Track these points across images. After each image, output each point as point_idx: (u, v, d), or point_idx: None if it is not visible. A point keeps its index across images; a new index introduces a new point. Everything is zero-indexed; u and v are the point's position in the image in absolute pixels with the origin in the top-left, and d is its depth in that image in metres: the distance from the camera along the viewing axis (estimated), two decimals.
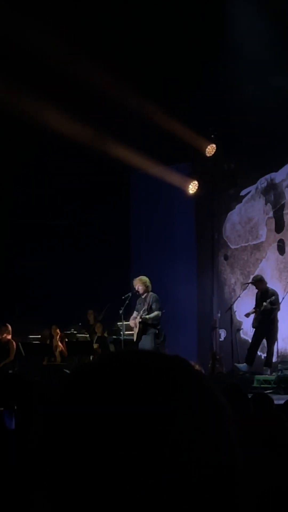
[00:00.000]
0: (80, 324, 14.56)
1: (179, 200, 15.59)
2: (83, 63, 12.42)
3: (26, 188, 14.87)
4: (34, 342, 13.87)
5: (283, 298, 12.40)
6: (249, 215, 14.92)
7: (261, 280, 12.78)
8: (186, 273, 15.45)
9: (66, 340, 13.39)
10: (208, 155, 14.83)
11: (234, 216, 15.22)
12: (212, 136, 14.70)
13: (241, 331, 14.03)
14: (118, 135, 13.83)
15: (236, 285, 14.93)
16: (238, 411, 3.83)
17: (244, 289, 13.83)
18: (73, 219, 15.20)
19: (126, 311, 12.11)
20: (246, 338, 14.05)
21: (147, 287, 11.52)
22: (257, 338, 12.59)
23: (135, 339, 11.48)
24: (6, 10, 11.64)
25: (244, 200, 15.04)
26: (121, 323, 12.59)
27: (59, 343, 13.27)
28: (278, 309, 12.28)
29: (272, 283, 13.07)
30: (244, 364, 12.42)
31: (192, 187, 15.19)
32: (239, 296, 13.81)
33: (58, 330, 13.42)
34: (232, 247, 15.21)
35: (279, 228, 14.36)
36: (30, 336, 14.12)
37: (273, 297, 12.22)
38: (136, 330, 11.43)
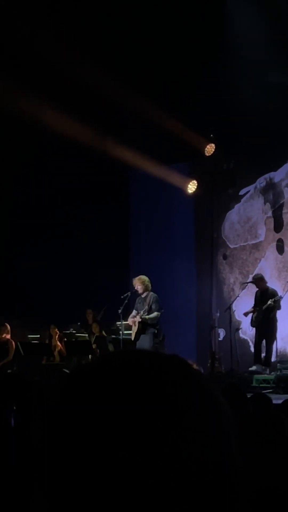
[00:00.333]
0: (79, 323, 14.56)
1: (178, 199, 15.60)
2: (83, 63, 12.41)
3: (25, 188, 14.86)
4: (33, 341, 13.86)
5: (281, 297, 12.40)
6: (248, 214, 14.92)
7: (261, 279, 12.79)
8: (185, 273, 15.45)
9: (65, 339, 13.39)
10: (207, 154, 14.83)
11: (233, 216, 15.22)
12: (211, 135, 14.70)
13: (240, 331, 14.04)
14: (118, 134, 13.83)
15: (235, 285, 14.93)
16: (237, 411, 3.83)
17: (243, 289, 13.83)
18: (72, 218, 15.19)
19: (125, 311, 12.11)
20: (245, 337, 14.06)
21: (146, 286, 11.52)
22: (259, 338, 12.60)
23: (133, 338, 11.48)
24: (6, 10, 11.64)
25: (243, 200, 15.04)
26: (120, 322, 12.59)
27: (58, 343, 13.26)
28: (278, 308, 12.30)
29: (271, 283, 13.08)
30: (255, 365, 12.43)
31: (191, 187, 15.19)
32: (238, 296, 13.81)
33: (56, 330, 13.42)
34: (231, 246, 15.21)
35: (278, 227, 14.36)
36: (29, 336, 14.11)
37: (279, 295, 12.26)
38: (135, 330, 11.43)
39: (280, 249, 14.24)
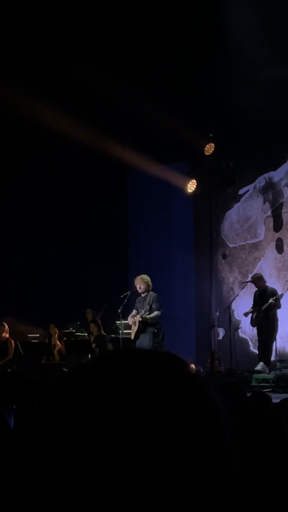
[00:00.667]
0: (78, 323, 14.56)
1: (178, 198, 15.59)
2: (82, 62, 12.41)
3: (24, 187, 14.85)
4: (32, 341, 13.86)
5: (282, 295, 12.41)
6: (247, 214, 14.92)
7: (260, 278, 12.80)
8: (185, 272, 15.45)
9: (65, 339, 13.39)
10: (206, 154, 14.82)
11: (232, 215, 15.22)
12: (211, 135, 14.69)
13: (239, 330, 14.04)
14: (117, 133, 13.82)
15: (234, 284, 14.93)
16: (236, 410, 3.84)
17: (242, 288, 13.84)
18: (71, 218, 15.19)
19: (125, 310, 12.11)
20: (245, 336, 14.07)
21: (148, 286, 11.52)
22: (262, 336, 12.61)
23: (132, 337, 11.48)
24: (6, 11, 11.64)
25: (242, 199, 15.04)
26: (119, 321, 12.59)
27: (58, 342, 13.27)
28: (279, 306, 12.32)
29: (271, 282, 13.08)
30: (260, 363, 12.44)
31: (191, 186, 15.18)
32: (237, 295, 13.82)
33: (56, 329, 13.42)
34: (230, 246, 15.21)
35: (277, 227, 14.36)
36: (29, 335, 14.12)
37: (280, 294, 12.27)
38: (134, 329, 11.43)
39: (279, 248, 14.24)
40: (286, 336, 13.15)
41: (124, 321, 12.21)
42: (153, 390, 0.78)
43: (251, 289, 13.28)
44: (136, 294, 11.78)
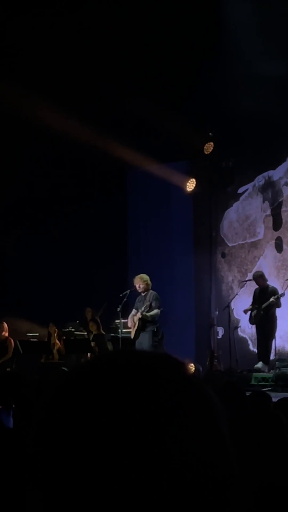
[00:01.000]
0: (78, 322, 14.56)
1: (177, 197, 15.59)
2: (82, 61, 12.40)
3: (23, 186, 14.85)
4: (32, 340, 13.87)
5: (283, 294, 12.41)
6: (247, 212, 14.91)
7: (261, 276, 12.80)
8: (184, 271, 15.44)
9: (64, 338, 13.40)
10: (206, 152, 14.82)
11: (232, 214, 15.21)
12: (210, 134, 14.69)
13: (239, 329, 14.05)
14: (116, 132, 13.82)
15: (233, 283, 14.94)
16: (236, 409, 3.84)
17: (241, 287, 13.84)
18: (70, 217, 15.19)
19: (124, 309, 12.11)
20: (244, 335, 14.07)
21: (147, 285, 11.53)
22: (261, 336, 12.62)
23: (132, 337, 11.48)
24: (6, 11, 11.64)
25: (241, 198, 15.03)
26: (119, 320, 12.59)
27: (57, 341, 13.27)
28: (278, 305, 12.32)
29: (270, 281, 13.07)
30: (260, 363, 12.45)
31: (190, 185, 15.18)
32: (236, 294, 13.83)
33: (55, 328, 13.42)
34: (230, 244, 15.21)
35: (276, 226, 14.36)
36: (28, 334, 14.12)
37: (281, 293, 12.28)
38: (134, 328, 11.43)
39: (278, 247, 14.24)
40: (286, 335, 13.14)
41: (124, 320, 12.21)
42: (152, 391, 0.78)
43: (251, 288, 13.28)
44: (135, 293, 11.78)
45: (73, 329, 14.26)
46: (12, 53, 12.29)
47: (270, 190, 14.55)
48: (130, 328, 11.70)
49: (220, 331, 14.54)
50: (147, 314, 11.25)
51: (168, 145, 14.36)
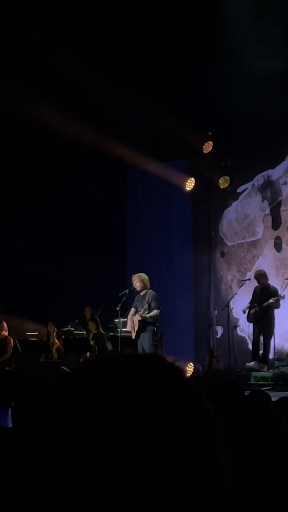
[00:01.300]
0: (77, 321, 14.56)
1: (176, 197, 15.59)
2: (81, 61, 12.40)
3: (22, 184, 14.84)
4: (31, 339, 13.87)
5: (283, 297, 12.40)
6: (246, 212, 14.91)
7: (264, 275, 12.80)
8: (183, 270, 15.44)
9: (63, 337, 13.40)
10: (205, 152, 14.83)
11: (231, 213, 15.21)
12: (209, 133, 14.70)
13: (238, 328, 14.05)
14: (115, 131, 13.81)
15: (232, 282, 14.94)
16: (234, 409, 3.84)
17: (241, 286, 13.84)
18: (69, 215, 15.19)
19: (123, 308, 12.11)
20: (243, 335, 14.07)
21: (145, 284, 11.54)
22: (257, 334, 12.64)
23: (133, 337, 11.49)
24: (6, 12, 11.64)
25: (240, 197, 15.03)
26: (118, 320, 12.60)
27: (56, 340, 13.27)
28: (277, 306, 12.33)
29: (269, 280, 13.07)
30: (254, 362, 12.47)
31: (189, 184, 15.18)
32: (236, 293, 13.82)
33: (54, 327, 13.43)
34: (229, 244, 15.21)
35: (276, 225, 14.36)
36: (27, 333, 14.13)
37: (280, 294, 12.28)
38: (135, 329, 11.44)
39: (278, 246, 14.24)
40: (285, 335, 13.14)
41: (123, 319, 12.22)
42: (148, 394, 0.79)
43: (250, 287, 13.28)
44: (134, 292, 11.79)
45: (72, 328, 14.27)
46: (11, 52, 12.28)
47: (269, 189, 14.55)
48: (129, 330, 11.70)
49: (219, 330, 14.54)
50: (147, 315, 11.26)
51: (167, 144, 14.35)
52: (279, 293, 12.46)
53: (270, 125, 13.36)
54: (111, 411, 0.77)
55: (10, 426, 4.72)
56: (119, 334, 12.46)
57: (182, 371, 0.85)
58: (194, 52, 13.08)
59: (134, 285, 11.60)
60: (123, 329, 12.42)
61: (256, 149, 14.07)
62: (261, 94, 12.57)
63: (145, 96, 13.13)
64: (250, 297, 12.90)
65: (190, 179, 15.16)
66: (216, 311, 14.47)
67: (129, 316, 11.59)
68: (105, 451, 0.75)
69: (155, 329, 11.38)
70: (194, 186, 15.15)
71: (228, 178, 14.61)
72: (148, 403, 0.78)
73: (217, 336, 14.52)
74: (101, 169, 15.15)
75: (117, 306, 12.08)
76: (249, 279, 13.64)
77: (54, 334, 13.40)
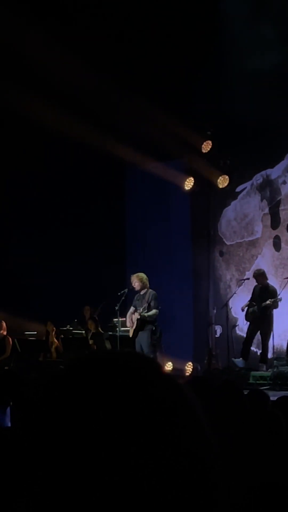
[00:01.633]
0: (76, 320, 14.56)
1: (175, 196, 15.59)
2: (80, 61, 12.40)
3: (21, 184, 14.84)
4: (30, 338, 13.87)
5: (279, 295, 12.40)
6: (245, 211, 14.91)
7: (262, 274, 12.79)
8: (182, 269, 15.45)
9: (62, 336, 13.40)
10: (204, 151, 14.83)
11: (230, 213, 15.22)
12: (208, 132, 14.70)
13: (236, 327, 14.05)
14: (115, 131, 13.82)
15: (231, 282, 14.94)
16: (234, 408, 3.84)
17: (239, 286, 13.84)
18: (68, 214, 15.19)
19: (122, 307, 12.11)
20: (242, 334, 14.07)
21: (144, 284, 11.53)
22: (251, 333, 12.65)
23: (131, 335, 11.49)
24: (7, 13, 11.64)
25: (239, 197, 15.03)
26: (117, 319, 12.60)
27: (55, 340, 13.27)
28: (275, 307, 12.32)
29: (268, 280, 13.08)
30: (240, 359, 12.48)
31: (188, 183, 15.19)
32: (234, 293, 13.82)
33: (53, 327, 13.42)
34: (228, 243, 15.21)
35: (275, 224, 14.36)
36: (26, 333, 14.12)
37: (278, 297, 12.27)
38: (133, 327, 11.44)
39: (277, 246, 14.24)
40: (284, 334, 13.14)
41: (122, 319, 12.21)
42: (139, 389, 0.80)
43: (249, 286, 13.28)
44: (133, 291, 11.79)
45: (71, 328, 14.27)
46: (11, 52, 12.28)
47: (268, 189, 14.55)
48: (128, 327, 11.70)
49: (218, 329, 14.55)
50: (146, 314, 11.26)
51: (167, 144, 14.35)
52: (278, 292, 12.45)
53: (269, 124, 13.35)
54: (104, 409, 0.77)
55: (9, 425, 4.72)
56: (118, 334, 12.46)
57: (160, 364, 0.86)
58: (193, 52, 13.07)
59: (133, 284, 11.60)
60: (122, 328, 12.42)
61: (255, 148, 14.07)
62: (260, 94, 12.57)
63: (144, 96, 13.14)
64: (249, 297, 12.90)
65: (189, 178, 15.16)
66: (215, 311, 14.48)
67: (128, 313, 11.59)
68: (103, 450, 0.75)
69: (154, 328, 11.37)
70: (193, 186, 15.15)
71: (227, 177, 14.62)
72: (139, 399, 0.78)
73: (216, 336, 14.53)
74: (100, 168, 15.15)
75: (116, 306, 12.08)
76: (248, 279, 13.64)
77: (53, 333, 13.40)
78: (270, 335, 12.38)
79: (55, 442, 0.77)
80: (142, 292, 11.52)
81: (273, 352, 12.59)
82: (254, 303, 12.55)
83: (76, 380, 0.81)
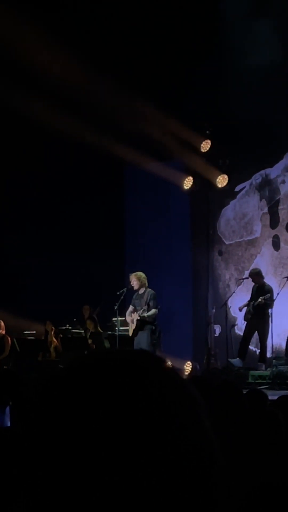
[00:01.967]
0: (75, 319, 14.56)
1: (174, 195, 15.59)
2: (80, 60, 12.40)
3: (20, 183, 14.85)
4: (29, 338, 13.87)
5: (278, 294, 12.38)
6: (244, 210, 14.92)
7: (258, 273, 12.77)
8: (181, 269, 15.45)
9: (61, 336, 13.40)
10: (203, 150, 14.83)
11: (229, 212, 15.22)
12: (207, 132, 14.70)
13: (235, 327, 14.05)
14: (114, 130, 13.81)
15: (230, 281, 14.94)
16: (232, 407, 3.84)
17: (238, 285, 13.84)
18: (68, 214, 15.18)
19: (121, 307, 12.10)
20: (241, 333, 14.05)
21: (142, 283, 11.51)
22: (248, 332, 12.64)
23: (130, 335, 11.48)
24: (7, 13, 11.65)
25: (238, 196, 15.04)
26: (116, 318, 12.59)
27: (54, 339, 13.27)
28: (270, 306, 12.28)
29: (267, 279, 13.07)
30: (237, 358, 12.46)
31: (187, 183, 15.18)
32: (233, 292, 13.82)
33: (52, 326, 13.42)
34: (227, 242, 15.22)
35: (274, 224, 14.36)
36: (25, 332, 14.12)
37: (268, 294, 12.23)
38: (133, 326, 11.43)
39: (276, 245, 14.25)
40: (283, 333, 13.13)
41: (121, 318, 12.21)
42: (139, 387, 0.80)
43: (248, 286, 13.28)
44: (132, 290, 11.78)
45: (70, 327, 14.26)
46: (11, 52, 12.28)
47: (267, 188, 14.56)
48: (128, 324, 11.69)
49: (217, 329, 14.55)
50: (145, 315, 11.25)
51: (166, 143, 14.35)
52: (277, 291, 12.42)
53: (268, 124, 13.35)
54: (104, 409, 0.77)
55: (9, 425, 4.72)
56: (117, 333, 12.46)
57: (167, 363, 0.87)
58: (192, 51, 13.08)
59: (131, 283, 11.58)
60: (121, 328, 12.42)
61: (254, 148, 14.07)
62: (259, 93, 12.57)
63: (143, 96, 13.14)
64: (248, 296, 12.90)
65: (188, 178, 15.16)
66: (214, 310, 14.48)
67: (127, 312, 11.58)
68: (103, 450, 0.75)
69: (153, 328, 11.36)
70: (192, 185, 15.15)
71: (226, 176, 14.62)
72: (141, 397, 0.79)
73: (215, 335, 14.53)
74: (100, 168, 15.15)
75: (115, 305, 12.07)
76: (247, 278, 13.63)
77: (52, 332, 13.40)
78: (268, 334, 12.36)
79: (55, 441, 0.77)
80: (140, 291, 11.51)
81: (272, 352, 12.58)
82: (252, 303, 12.55)
83: (76, 380, 0.81)
